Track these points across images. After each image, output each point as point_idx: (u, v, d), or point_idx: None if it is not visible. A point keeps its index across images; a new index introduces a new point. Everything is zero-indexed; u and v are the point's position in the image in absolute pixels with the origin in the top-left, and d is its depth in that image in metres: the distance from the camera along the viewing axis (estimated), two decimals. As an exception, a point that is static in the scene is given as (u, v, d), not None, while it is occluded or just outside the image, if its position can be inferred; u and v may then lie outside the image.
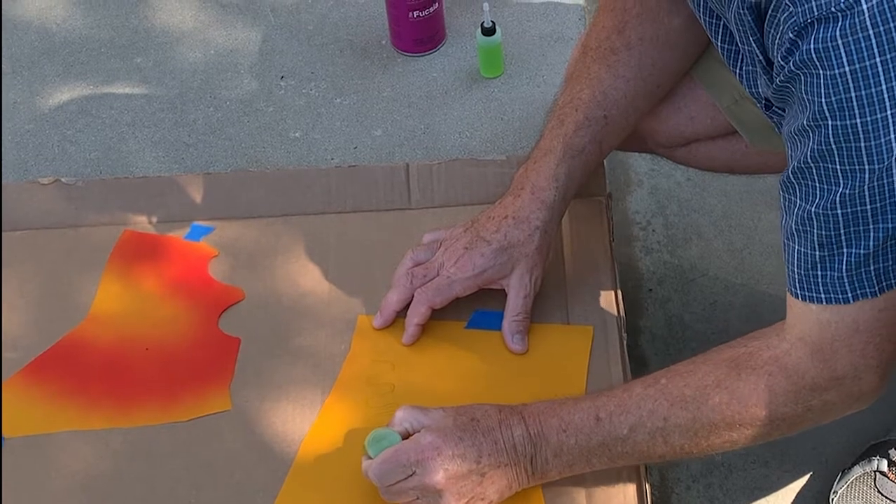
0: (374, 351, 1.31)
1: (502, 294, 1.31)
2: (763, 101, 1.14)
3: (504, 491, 1.16)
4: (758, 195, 1.81)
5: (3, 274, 1.41)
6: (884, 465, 1.43)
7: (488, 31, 1.93)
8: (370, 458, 1.17)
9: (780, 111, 1.08)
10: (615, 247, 1.41)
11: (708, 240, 1.77)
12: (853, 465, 1.46)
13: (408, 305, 1.31)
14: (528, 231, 1.30)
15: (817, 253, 1.03)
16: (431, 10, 1.97)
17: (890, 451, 1.44)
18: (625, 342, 1.31)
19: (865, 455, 1.46)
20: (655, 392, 1.13)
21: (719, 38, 1.21)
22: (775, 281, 1.71)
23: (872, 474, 1.43)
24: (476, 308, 1.33)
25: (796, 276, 1.06)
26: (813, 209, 1.02)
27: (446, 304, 1.30)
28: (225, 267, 1.41)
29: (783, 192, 1.06)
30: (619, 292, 1.36)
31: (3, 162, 1.91)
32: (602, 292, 1.36)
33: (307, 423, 1.26)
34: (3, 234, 1.44)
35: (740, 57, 1.19)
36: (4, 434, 1.27)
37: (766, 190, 1.81)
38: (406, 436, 1.17)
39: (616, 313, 1.34)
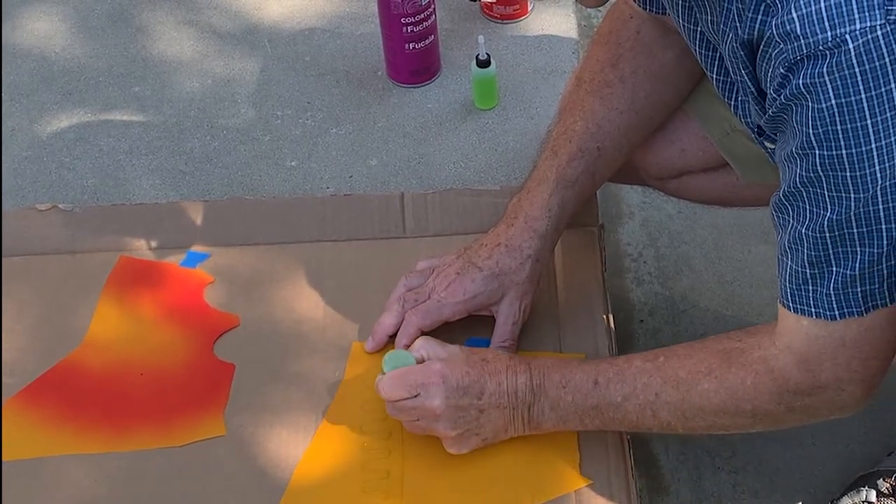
0: (368, 377, 1.32)
1: (494, 322, 1.32)
2: (756, 129, 1.17)
3: (499, 432, 1.23)
4: (748, 228, 1.83)
5: (1, 299, 1.42)
6: (872, 496, 1.44)
7: (483, 64, 1.95)
8: (384, 374, 1.24)
9: (771, 137, 1.12)
10: (607, 277, 1.42)
11: (698, 272, 1.79)
12: (842, 495, 1.46)
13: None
14: (519, 259, 1.31)
15: (808, 270, 1.07)
16: (427, 42, 1.99)
17: (878, 482, 1.45)
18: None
19: (854, 486, 1.46)
20: (652, 368, 1.19)
21: (714, 69, 1.23)
22: (765, 312, 1.72)
23: (861, 505, 1.44)
24: (469, 336, 1.34)
25: (788, 290, 1.10)
26: (803, 230, 1.06)
27: (435, 327, 1.31)
28: (220, 293, 1.42)
29: (776, 212, 1.10)
30: (612, 322, 1.37)
31: (2, 188, 1.93)
32: (594, 322, 1.37)
33: (301, 448, 1.27)
34: (2, 259, 1.45)
35: (734, 88, 1.21)
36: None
37: (757, 223, 1.83)
38: (421, 362, 1.24)
39: (608, 343, 1.35)
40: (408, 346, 1.31)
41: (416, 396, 1.21)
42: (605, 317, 1.37)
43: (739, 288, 1.76)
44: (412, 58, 2.00)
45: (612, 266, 1.77)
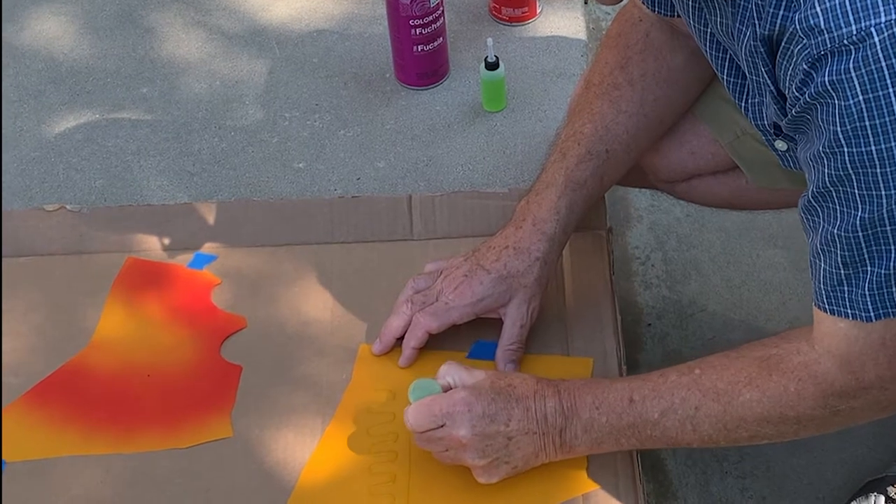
0: (375, 380, 1.32)
1: (502, 324, 1.32)
2: (771, 130, 1.16)
3: (530, 458, 1.20)
4: (756, 232, 1.82)
5: (7, 299, 1.42)
6: (881, 502, 1.43)
7: (492, 66, 1.95)
8: (411, 403, 1.21)
9: (790, 137, 1.11)
10: (615, 281, 1.42)
11: (706, 275, 1.78)
12: (850, 501, 1.46)
13: (408, 332, 1.32)
14: (527, 262, 1.31)
15: (842, 271, 1.06)
16: (436, 44, 1.99)
17: (888, 488, 1.44)
18: (625, 374, 1.32)
19: (863, 491, 1.46)
20: (689, 381, 1.16)
21: (725, 71, 1.23)
22: (773, 317, 1.72)
23: (870, 510, 1.44)
24: (477, 338, 1.34)
25: (824, 292, 1.08)
26: (835, 231, 1.04)
27: (443, 329, 1.31)
28: (228, 295, 1.42)
29: (805, 213, 1.08)
30: (620, 325, 1.37)
31: (10, 189, 1.93)
32: (602, 325, 1.37)
33: (308, 451, 1.27)
34: (9, 260, 1.45)
35: (746, 90, 1.21)
36: (6, 458, 1.28)
37: (765, 226, 1.82)
38: (447, 389, 1.21)
39: (615, 346, 1.34)
40: (415, 348, 1.31)
41: (442, 426, 1.18)
42: (612, 320, 1.37)
43: (748, 292, 1.76)
44: (420, 60, 2.00)
45: (619, 269, 1.76)
